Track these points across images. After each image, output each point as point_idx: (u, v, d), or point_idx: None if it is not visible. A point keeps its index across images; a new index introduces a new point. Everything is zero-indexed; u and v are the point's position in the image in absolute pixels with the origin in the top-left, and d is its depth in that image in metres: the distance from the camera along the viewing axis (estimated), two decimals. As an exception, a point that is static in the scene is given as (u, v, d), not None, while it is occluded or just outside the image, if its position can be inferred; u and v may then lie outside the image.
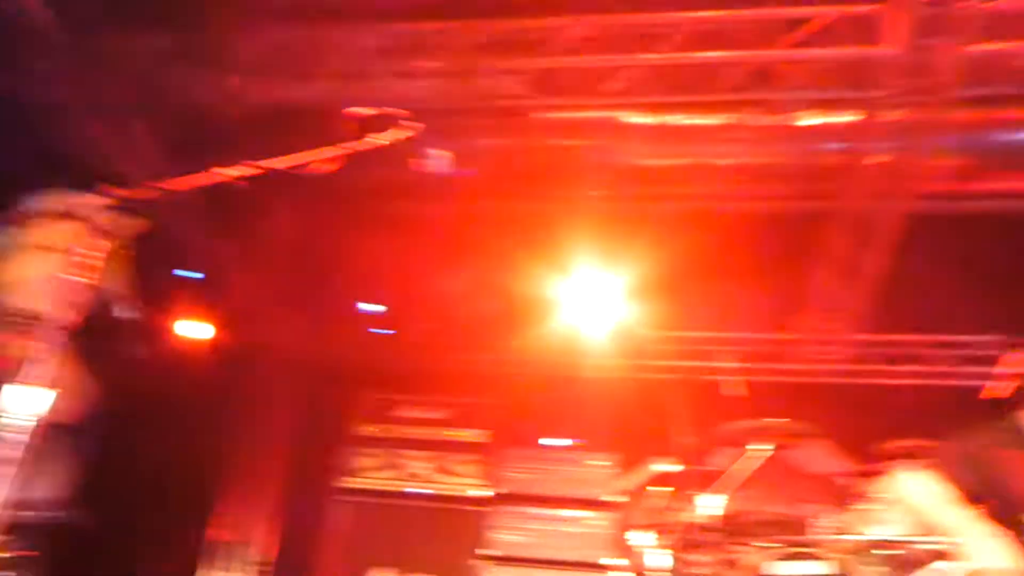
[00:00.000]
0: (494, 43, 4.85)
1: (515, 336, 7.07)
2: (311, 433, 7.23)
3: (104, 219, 2.01)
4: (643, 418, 6.02)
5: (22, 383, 1.69)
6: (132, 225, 2.05)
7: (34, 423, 1.69)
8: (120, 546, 5.54)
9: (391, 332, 7.57)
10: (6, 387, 1.72)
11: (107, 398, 2.33)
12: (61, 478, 2.22)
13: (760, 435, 5.07)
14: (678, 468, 5.45)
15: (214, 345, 6.40)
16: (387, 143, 2.19)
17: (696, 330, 7.39)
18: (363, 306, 7.16)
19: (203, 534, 6.90)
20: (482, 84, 4.91)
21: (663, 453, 5.70)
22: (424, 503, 6.03)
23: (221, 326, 6.56)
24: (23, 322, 2.15)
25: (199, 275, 5.89)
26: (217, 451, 7.11)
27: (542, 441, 6.27)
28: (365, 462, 6.20)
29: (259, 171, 2.11)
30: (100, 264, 2.35)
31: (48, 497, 2.13)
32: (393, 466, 6.16)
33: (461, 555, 5.77)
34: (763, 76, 4.72)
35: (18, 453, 1.65)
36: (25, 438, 1.66)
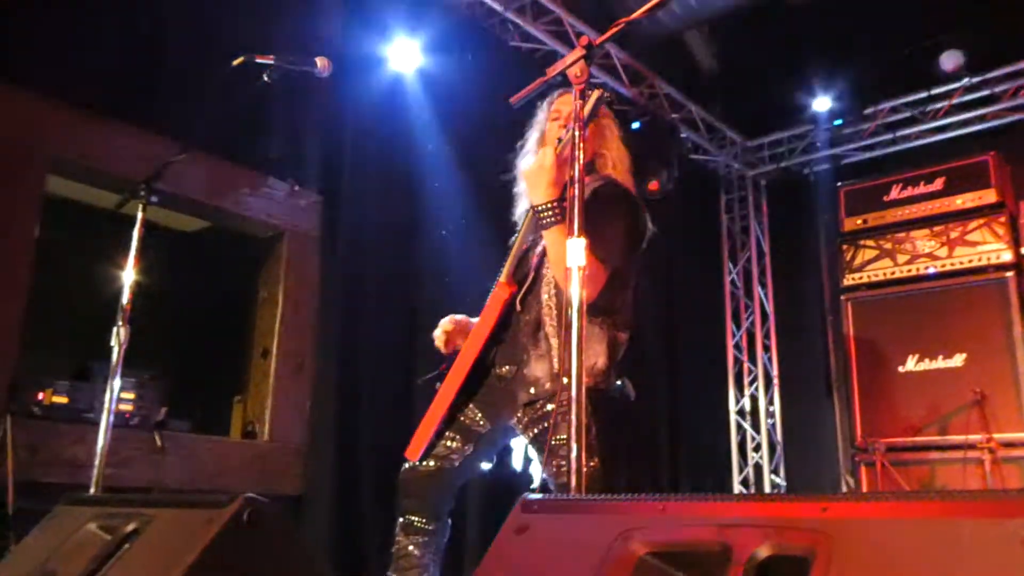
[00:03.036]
0: None
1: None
2: (801, 240, 7.12)
3: (578, 75, 2.06)
4: None
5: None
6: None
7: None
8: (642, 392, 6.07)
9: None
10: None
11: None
12: (598, 349, 2.38)
13: None
14: None
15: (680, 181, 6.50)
16: None
17: None
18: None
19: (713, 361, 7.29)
20: None
21: None
22: (942, 282, 5.55)
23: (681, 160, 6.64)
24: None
25: (648, 119, 6.00)
26: (705, 286, 7.39)
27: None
28: (864, 255, 5.87)
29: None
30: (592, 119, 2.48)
31: (591, 366, 2.31)
32: (897, 252, 5.74)
33: (1000, 328, 5.25)
34: None
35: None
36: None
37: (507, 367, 2.47)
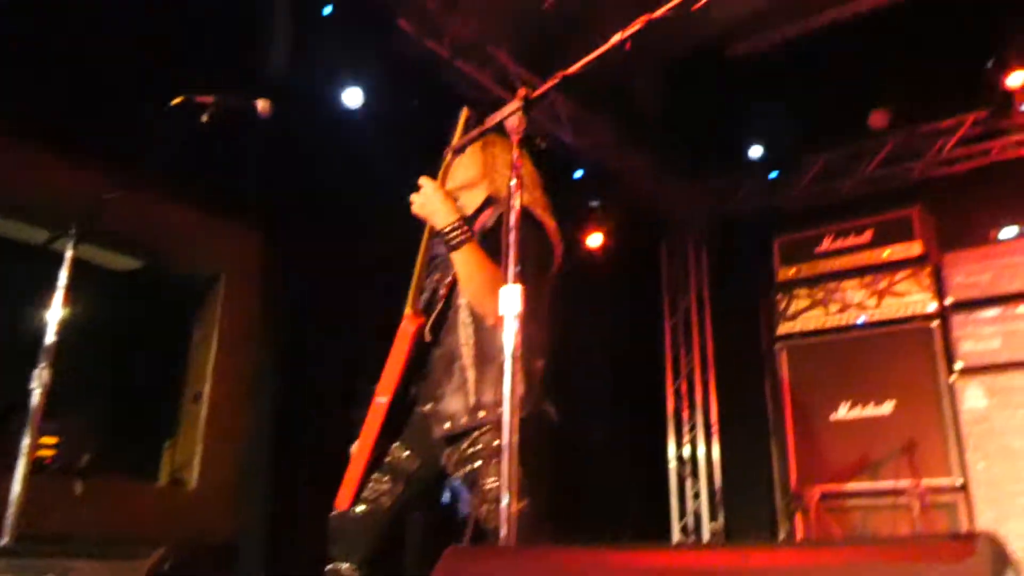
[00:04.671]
0: None
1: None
2: (734, 290, 7.24)
3: (514, 126, 2.10)
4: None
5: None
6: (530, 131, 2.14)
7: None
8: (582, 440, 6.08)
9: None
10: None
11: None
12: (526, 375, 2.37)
13: None
14: None
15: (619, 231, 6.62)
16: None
17: None
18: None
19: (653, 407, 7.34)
20: None
21: None
22: (872, 331, 5.72)
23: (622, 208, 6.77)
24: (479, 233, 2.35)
25: (589, 167, 6.10)
26: (645, 334, 7.46)
27: (988, 239, 5.61)
28: (798, 304, 6.03)
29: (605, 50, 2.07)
30: (528, 171, 2.51)
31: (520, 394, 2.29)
32: (829, 301, 5.91)
33: (926, 375, 5.42)
34: None
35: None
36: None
37: (426, 403, 2.44)
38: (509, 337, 1.95)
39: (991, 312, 5.36)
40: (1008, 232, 5.57)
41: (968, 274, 5.48)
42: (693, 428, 7.37)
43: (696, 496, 7.18)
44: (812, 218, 6.55)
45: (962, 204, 6.09)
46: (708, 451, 7.29)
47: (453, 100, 5.68)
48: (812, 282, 6.03)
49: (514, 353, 1.94)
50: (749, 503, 6.97)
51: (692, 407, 7.42)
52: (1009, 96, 5.87)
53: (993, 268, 5.41)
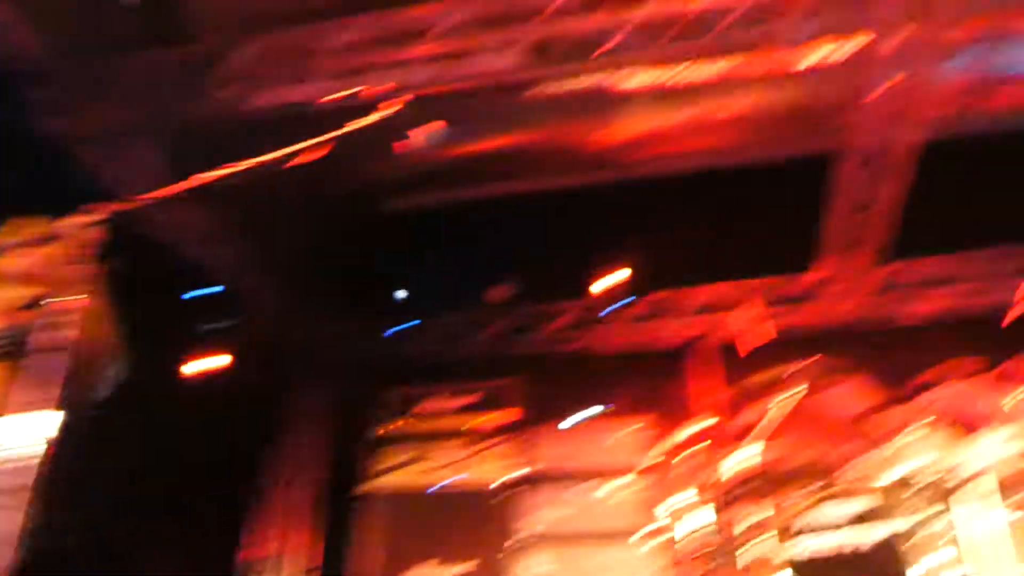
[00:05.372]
0: (483, 20, 4.73)
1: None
2: (339, 437, 7.19)
3: (86, 238, 1.98)
4: (670, 380, 6.01)
5: (16, 410, 1.67)
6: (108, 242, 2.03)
7: (41, 449, 1.67)
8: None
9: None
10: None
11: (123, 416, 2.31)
12: (76, 501, 2.16)
13: (790, 381, 5.08)
14: (710, 424, 5.48)
15: (237, 358, 6.35)
16: (373, 121, 2.17)
17: (712, 282, 7.10)
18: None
19: (234, 550, 6.90)
20: (476, 60, 4.77)
21: (694, 413, 5.70)
22: (458, 493, 6.04)
23: (243, 336, 6.52)
24: (10, 347, 2.12)
25: (216, 288, 5.84)
26: (244, 466, 7.10)
27: (571, 418, 6.28)
28: (395, 459, 6.22)
29: (249, 167, 2.08)
30: (85, 284, 2.32)
31: (66, 521, 2.07)
32: (424, 459, 6.17)
33: (502, 540, 5.79)
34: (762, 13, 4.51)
35: (26, 482, 1.62)
36: (32, 465, 1.63)
37: None
38: (31, 467, 1.75)
39: (567, 484, 5.94)
40: (587, 414, 6.29)
41: (552, 448, 6.06)
42: (286, 570, 7.03)
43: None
44: (423, 376, 6.84)
45: (558, 383, 6.75)
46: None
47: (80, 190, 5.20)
48: (411, 439, 6.29)
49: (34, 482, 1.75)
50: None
51: (286, 550, 7.09)
52: (604, 294, 6.77)
53: (574, 445, 6.06)
